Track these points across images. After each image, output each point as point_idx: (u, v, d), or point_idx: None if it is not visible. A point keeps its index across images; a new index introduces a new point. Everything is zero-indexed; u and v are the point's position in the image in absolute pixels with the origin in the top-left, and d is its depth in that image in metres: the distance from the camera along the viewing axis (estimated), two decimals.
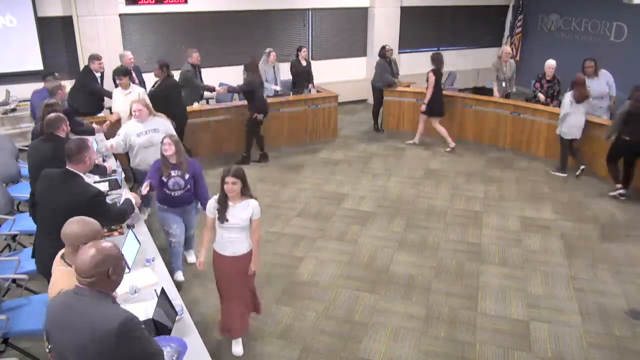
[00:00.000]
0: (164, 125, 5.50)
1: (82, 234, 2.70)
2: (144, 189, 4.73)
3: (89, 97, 7.26)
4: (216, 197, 3.79)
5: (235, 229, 3.76)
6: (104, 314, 2.18)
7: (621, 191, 6.87)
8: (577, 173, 7.48)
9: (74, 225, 2.75)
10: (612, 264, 5.40)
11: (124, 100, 6.40)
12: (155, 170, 4.64)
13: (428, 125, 8.71)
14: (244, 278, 3.89)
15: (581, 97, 7.14)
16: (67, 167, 3.67)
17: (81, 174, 3.71)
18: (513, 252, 5.62)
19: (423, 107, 8.46)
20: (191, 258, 5.31)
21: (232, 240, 3.79)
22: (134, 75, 7.62)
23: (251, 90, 7.62)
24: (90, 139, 6.10)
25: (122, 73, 6.52)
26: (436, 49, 12.23)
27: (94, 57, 7.40)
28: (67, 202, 3.52)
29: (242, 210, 3.75)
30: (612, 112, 7.83)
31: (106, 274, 2.25)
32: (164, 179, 4.59)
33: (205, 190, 4.75)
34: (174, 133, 5.22)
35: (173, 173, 4.58)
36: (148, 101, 5.83)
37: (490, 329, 4.40)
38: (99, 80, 7.46)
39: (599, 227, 6.16)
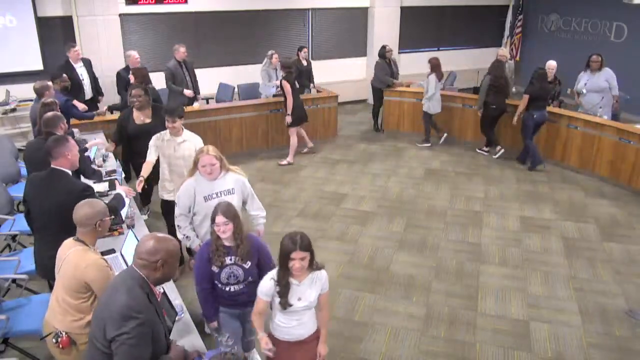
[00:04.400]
0: (241, 183, 3.89)
1: (93, 213, 2.94)
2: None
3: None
4: (273, 275, 2.93)
5: (300, 312, 2.97)
6: (127, 292, 2.36)
7: (502, 150, 8.29)
8: (441, 142, 8.91)
9: (85, 207, 2.96)
10: (612, 264, 5.40)
11: (174, 151, 4.67)
12: (203, 260, 3.24)
13: (299, 135, 8.25)
14: None
15: (441, 76, 8.51)
16: (52, 165, 3.67)
17: (67, 171, 3.70)
18: (513, 252, 5.62)
19: (289, 119, 7.75)
20: None
21: (297, 325, 3.00)
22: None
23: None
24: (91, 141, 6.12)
25: (176, 114, 4.56)
26: (436, 49, 12.27)
27: (70, 45, 7.21)
28: (57, 202, 3.51)
29: (310, 289, 2.95)
30: (616, 113, 7.81)
31: (155, 263, 2.45)
32: (215, 268, 3.22)
33: None
34: (251, 191, 3.94)
35: (228, 260, 3.21)
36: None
37: (490, 329, 4.40)
38: (77, 72, 7.27)
39: (599, 227, 6.16)
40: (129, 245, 3.65)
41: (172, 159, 4.68)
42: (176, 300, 3.26)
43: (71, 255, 2.90)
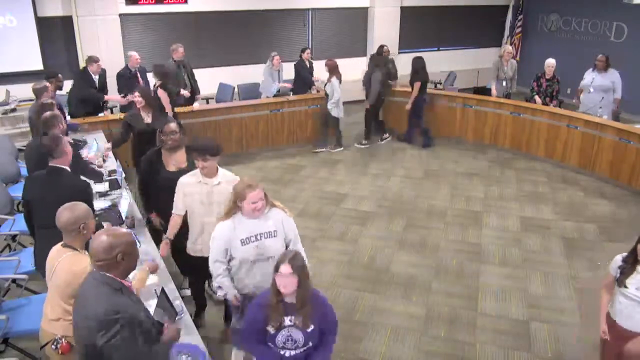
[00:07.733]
0: (286, 224, 3.31)
1: (75, 218, 2.85)
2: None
3: (82, 103, 7.08)
4: (623, 254, 3.08)
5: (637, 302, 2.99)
6: (98, 298, 2.29)
7: (389, 138, 9.05)
8: (334, 150, 8.64)
9: (66, 212, 2.88)
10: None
11: (207, 197, 3.69)
12: (256, 321, 2.80)
13: None
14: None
15: (340, 79, 8.31)
16: (50, 164, 3.70)
17: (67, 168, 3.76)
18: (513, 252, 5.62)
19: None
20: None
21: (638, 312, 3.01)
22: (139, 78, 7.57)
23: None
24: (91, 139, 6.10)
25: (208, 152, 3.59)
26: (436, 49, 12.28)
27: (92, 60, 7.18)
28: (64, 197, 3.51)
29: None
30: (616, 116, 7.79)
31: (115, 259, 2.35)
32: (271, 329, 2.77)
33: (330, 349, 3.00)
34: (295, 233, 3.36)
35: (287, 321, 2.75)
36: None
37: (490, 329, 4.40)
38: (95, 83, 7.24)
39: (599, 227, 6.16)
40: None
41: (204, 206, 3.65)
42: (176, 300, 3.26)
43: (63, 262, 2.84)
